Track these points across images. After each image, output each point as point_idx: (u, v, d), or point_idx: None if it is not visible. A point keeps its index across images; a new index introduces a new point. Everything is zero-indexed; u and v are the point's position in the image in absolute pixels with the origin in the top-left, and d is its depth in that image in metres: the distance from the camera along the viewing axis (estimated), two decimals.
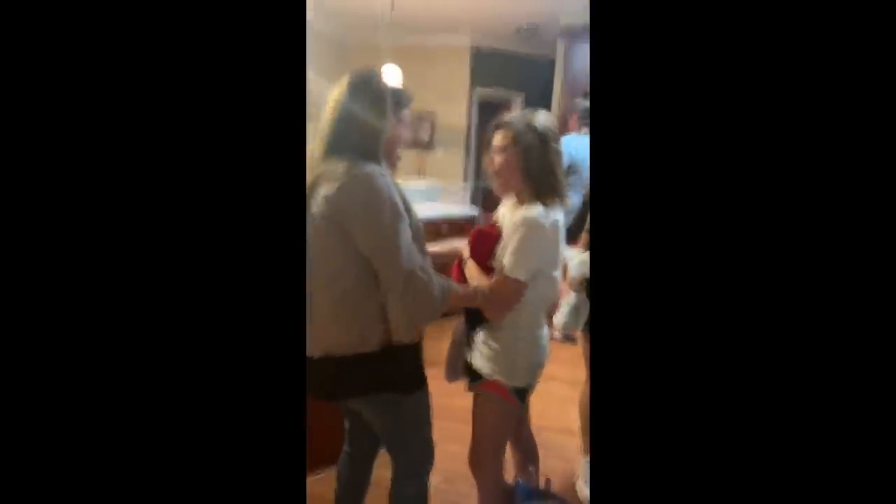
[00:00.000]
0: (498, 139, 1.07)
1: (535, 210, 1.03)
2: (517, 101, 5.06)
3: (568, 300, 1.43)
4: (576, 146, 2.63)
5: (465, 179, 4.79)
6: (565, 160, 2.63)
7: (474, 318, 1.11)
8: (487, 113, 5.04)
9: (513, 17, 3.80)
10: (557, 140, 1.07)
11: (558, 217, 1.05)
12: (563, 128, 2.77)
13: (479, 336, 1.14)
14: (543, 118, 1.07)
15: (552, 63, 4.01)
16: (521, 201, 1.08)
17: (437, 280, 0.93)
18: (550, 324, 2.93)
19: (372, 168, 0.88)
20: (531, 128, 1.04)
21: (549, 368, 1.21)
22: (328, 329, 0.92)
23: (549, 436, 1.99)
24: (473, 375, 1.17)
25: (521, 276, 1.02)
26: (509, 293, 1.03)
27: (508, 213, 1.13)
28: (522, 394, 1.16)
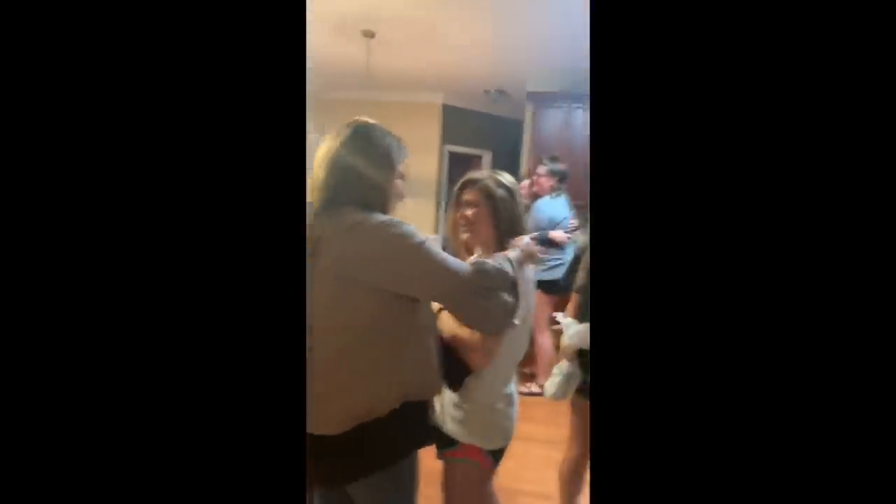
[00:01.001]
0: (470, 195, 1.13)
1: (509, 256, 1.05)
2: (486, 157, 5.24)
3: (560, 369, 1.42)
4: (552, 206, 2.79)
5: (437, 231, 4.83)
6: (545, 221, 2.77)
7: (453, 375, 1.07)
8: (457, 168, 5.19)
9: (482, 79, 4.00)
10: (520, 196, 1.16)
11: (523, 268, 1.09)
12: (537, 190, 2.90)
13: (449, 398, 1.10)
14: (508, 177, 1.17)
15: (520, 124, 4.21)
16: (490, 253, 1.09)
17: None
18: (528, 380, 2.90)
19: (383, 217, 0.87)
20: (500, 184, 1.12)
21: (525, 428, 1.17)
22: (338, 394, 0.85)
23: (526, 500, 1.90)
24: (444, 440, 1.12)
25: (516, 319, 1.01)
26: (496, 338, 1.01)
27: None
28: (499, 456, 1.12)
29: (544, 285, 2.73)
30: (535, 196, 2.88)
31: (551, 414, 2.59)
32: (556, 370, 1.44)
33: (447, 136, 4.76)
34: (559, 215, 2.79)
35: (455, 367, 1.04)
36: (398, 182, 0.97)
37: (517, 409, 1.15)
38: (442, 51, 3.29)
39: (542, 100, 3.72)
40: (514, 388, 1.15)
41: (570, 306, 1.50)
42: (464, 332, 1.03)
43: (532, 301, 1.08)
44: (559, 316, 1.42)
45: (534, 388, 2.88)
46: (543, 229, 2.73)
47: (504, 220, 1.11)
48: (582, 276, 1.46)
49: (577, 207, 2.96)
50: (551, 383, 1.44)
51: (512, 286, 0.93)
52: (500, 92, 4.30)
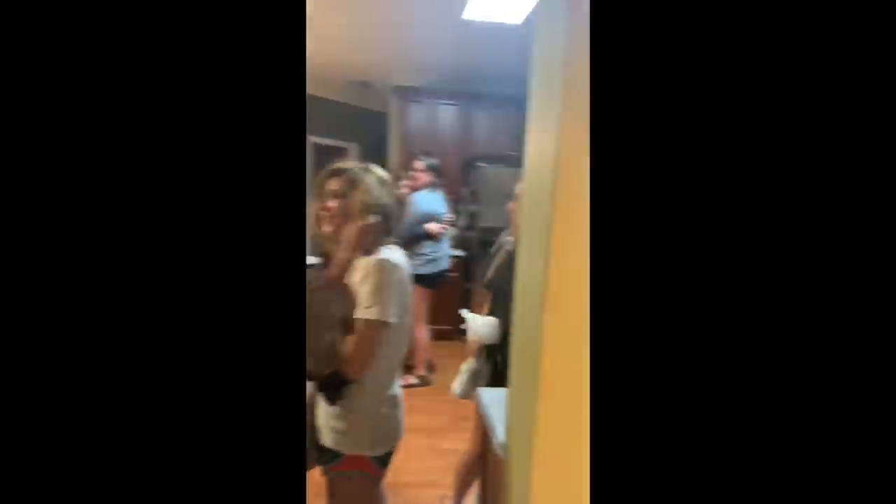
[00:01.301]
0: (334, 184, 1.06)
1: (384, 252, 1.03)
2: (352, 150, 5.12)
3: (467, 366, 1.42)
4: (429, 200, 2.85)
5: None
6: (422, 214, 2.78)
7: (330, 389, 1.02)
8: (323, 160, 4.98)
9: (346, 70, 3.89)
10: (390, 187, 1.11)
11: (403, 259, 1.07)
12: (413, 185, 2.94)
13: (326, 411, 1.04)
14: (377, 168, 1.11)
15: (385, 117, 4.19)
16: (353, 247, 1.04)
17: None
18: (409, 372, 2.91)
19: None
20: (368, 174, 1.06)
21: (406, 419, 1.17)
22: None
23: (410, 492, 1.93)
24: (326, 455, 1.07)
25: (392, 319, 0.99)
26: (375, 340, 0.99)
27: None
28: (387, 459, 1.10)
29: (422, 279, 2.79)
30: (413, 191, 2.92)
31: (431, 402, 2.68)
32: (463, 367, 1.44)
33: (311, 126, 4.54)
34: (437, 209, 2.87)
35: (331, 378, 0.99)
36: None
37: (403, 407, 1.13)
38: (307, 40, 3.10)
39: (407, 94, 3.75)
40: (398, 387, 1.12)
41: (482, 303, 1.51)
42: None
43: (409, 300, 1.06)
44: (464, 312, 1.40)
45: (411, 380, 2.92)
46: (421, 222, 2.78)
47: (375, 213, 1.03)
48: (493, 272, 1.47)
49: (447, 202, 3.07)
50: (458, 382, 1.45)
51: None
52: (364, 83, 4.23)
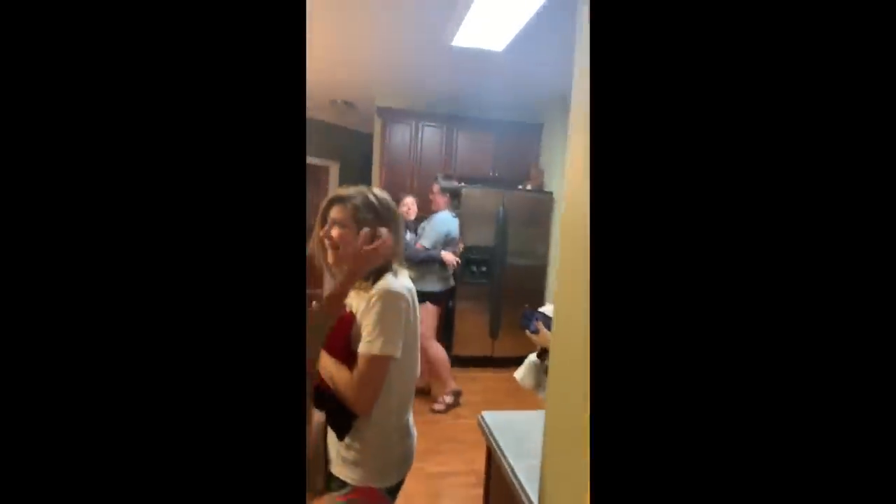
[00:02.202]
0: (337, 213, 1.03)
1: (388, 280, 1.00)
2: (333, 168, 5.13)
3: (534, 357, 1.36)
4: (446, 222, 2.93)
5: None
6: (443, 236, 2.84)
7: (339, 422, 1.01)
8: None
9: (330, 89, 3.92)
10: (398, 216, 1.08)
11: (410, 284, 1.05)
12: (433, 207, 3.00)
13: (336, 441, 1.03)
14: (380, 192, 1.07)
15: (369, 136, 4.22)
16: (353, 276, 1.02)
17: None
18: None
19: None
20: (370, 204, 1.03)
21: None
22: None
23: None
24: (335, 483, 1.04)
25: (395, 353, 0.96)
26: (379, 375, 0.97)
27: (355, 292, 1.07)
28: (395, 490, 1.07)
29: (432, 296, 2.85)
30: (431, 213, 2.98)
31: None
32: (532, 357, 1.36)
33: None
34: (452, 231, 2.94)
35: (339, 411, 0.98)
36: None
37: (415, 437, 1.10)
38: None
39: (390, 115, 3.79)
40: (409, 416, 1.09)
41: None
42: (341, 377, 0.97)
43: (415, 329, 1.04)
44: (546, 308, 1.29)
45: (448, 399, 2.89)
46: (438, 244, 2.85)
47: (373, 239, 1.00)
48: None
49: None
50: (525, 369, 1.36)
51: None
52: (348, 103, 4.26)
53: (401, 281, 1.03)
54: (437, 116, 3.83)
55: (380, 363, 0.96)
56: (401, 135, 3.81)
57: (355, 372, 0.96)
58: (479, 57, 2.72)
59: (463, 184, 3.18)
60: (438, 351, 2.89)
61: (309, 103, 4.33)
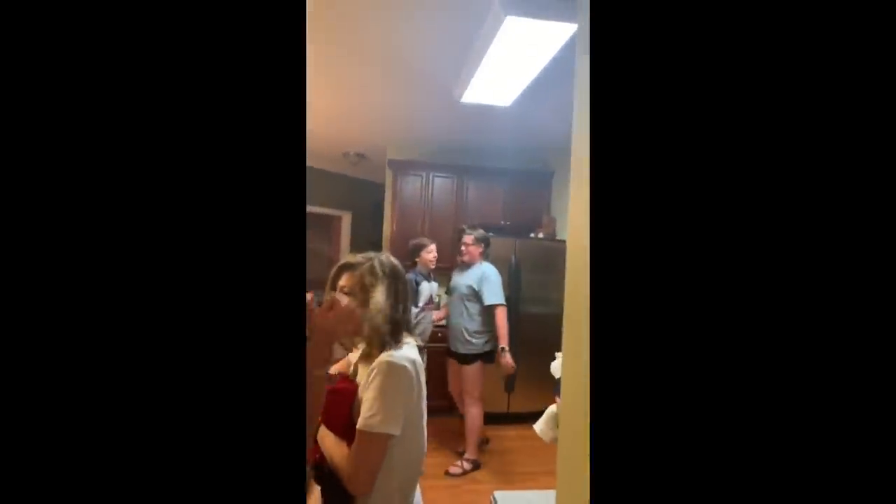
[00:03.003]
0: (344, 281, 1.01)
1: (384, 358, 0.94)
2: (345, 218, 5.20)
3: (555, 408, 1.32)
4: (497, 273, 2.85)
5: None
6: (500, 287, 2.78)
7: (335, 502, 0.93)
8: (316, 228, 5.03)
9: (341, 142, 4.03)
10: (405, 281, 1.06)
11: (415, 356, 1.00)
12: (468, 259, 2.89)
13: None
14: (388, 258, 1.06)
15: (381, 187, 4.29)
16: (371, 344, 0.99)
17: None
18: None
19: None
20: (379, 268, 1.01)
21: None
22: None
23: None
24: None
25: (395, 430, 0.90)
26: (377, 454, 0.90)
27: (362, 363, 1.03)
28: None
29: (485, 357, 2.78)
30: (465, 265, 2.88)
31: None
32: (552, 408, 1.34)
33: (307, 195, 4.62)
34: (498, 277, 2.85)
35: (336, 491, 0.91)
36: None
37: None
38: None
39: (401, 166, 3.87)
40: (417, 497, 1.01)
41: None
42: (339, 453, 0.91)
43: (421, 403, 0.98)
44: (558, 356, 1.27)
45: (465, 465, 2.76)
46: (475, 287, 2.78)
47: (380, 308, 0.98)
48: None
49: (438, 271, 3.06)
50: (543, 422, 1.33)
51: None
52: (360, 155, 4.37)
53: (405, 352, 0.97)
54: (448, 167, 3.89)
55: (378, 441, 0.89)
56: (411, 185, 3.86)
57: (352, 449, 0.89)
58: (487, 112, 2.78)
59: (491, 233, 3.14)
60: (479, 415, 2.78)
61: (322, 155, 4.46)
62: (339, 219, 5.22)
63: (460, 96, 2.43)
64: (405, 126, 3.50)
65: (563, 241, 3.69)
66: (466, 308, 2.80)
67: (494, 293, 2.78)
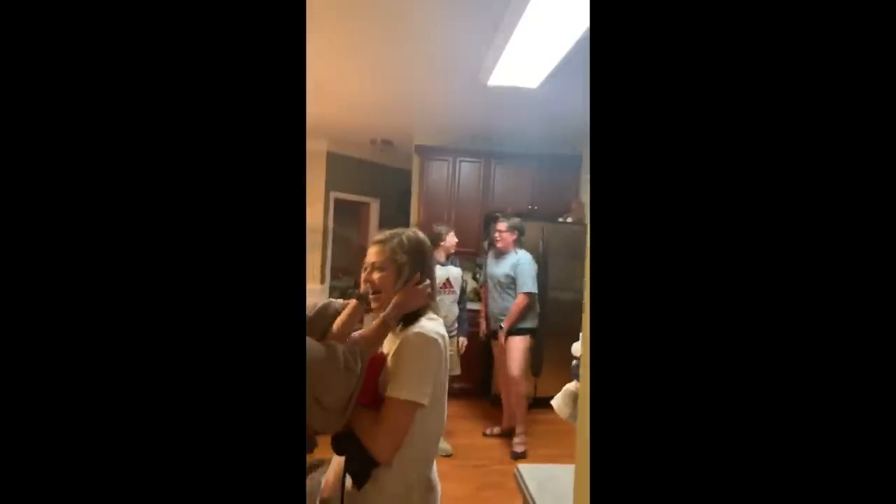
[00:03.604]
0: (374, 255, 1.05)
1: (422, 324, 0.99)
2: (373, 205, 5.25)
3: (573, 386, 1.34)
4: (531, 261, 2.92)
5: (322, 281, 4.63)
6: (532, 275, 2.85)
7: (358, 468, 0.96)
8: (344, 215, 5.09)
9: (368, 129, 4.05)
10: (431, 254, 1.10)
11: (443, 330, 1.03)
12: (501, 246, 2.95)
13: (355, 492, 0.98)
14: (415, 233, 1.09)
15: (407, 173, 4.30)
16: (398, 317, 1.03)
17: None
18: None
19: None
20: (407, 247, 1.05)
21: None
22: None
23: None
24: None
25: (424, 400, 0.93)
26: (405, 422, 0.93)
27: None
28: None
29: (528, 332, 2.89)
30: (499, 252, 2.95)
31: (456, 468, 2.55)
32: (570, 386, 1.36)
33: (333, 182, 4.68)
34: (532, 266, 2.93)
35: (359, 457, 0.94)
36: None
37: (439, 492, 1.05)
38: (328, 101, 3.27)
39: (428, 152, 3.86)
40: (433, 470, 1.05)
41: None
42: (365, 421, 0.94)
43: (445, 376, 1.01)
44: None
45: (518, 448, 2.83)
46: (510, 275, 2.87)
47: (408, 282, 1.03)
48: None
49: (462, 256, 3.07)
50: (561, 397, 1.36)
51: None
52: (386, 142, 4.39)
53: (434, 326, 1.01)
54: (475, 152, 3.87)
55: (407, 409, 0.93)
56: (438, 171, 3.85)
57: (381, 416, 0.93)
58: (514, 94, 2.74)
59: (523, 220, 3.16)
60: (521, 389, 2.89)
61: (349, 142, 4.50)
62: (367, 206, 5.27)
63: (487, 79, 2.40)
64: (431, 111, 3.48)
65: None
66: (505, 295, 2.89)
67: (525, 282, 2.84)
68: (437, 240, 2.90)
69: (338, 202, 4.81)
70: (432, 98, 3.16)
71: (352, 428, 0.94)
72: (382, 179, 5.18)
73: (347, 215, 5.26)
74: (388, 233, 1.08)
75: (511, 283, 2.86)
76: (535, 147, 3.87)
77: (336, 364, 0.88)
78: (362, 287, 1.06)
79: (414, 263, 1.04)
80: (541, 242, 3.49)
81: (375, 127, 3.99)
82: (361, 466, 0.94)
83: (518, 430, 2.87)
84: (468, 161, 3.87)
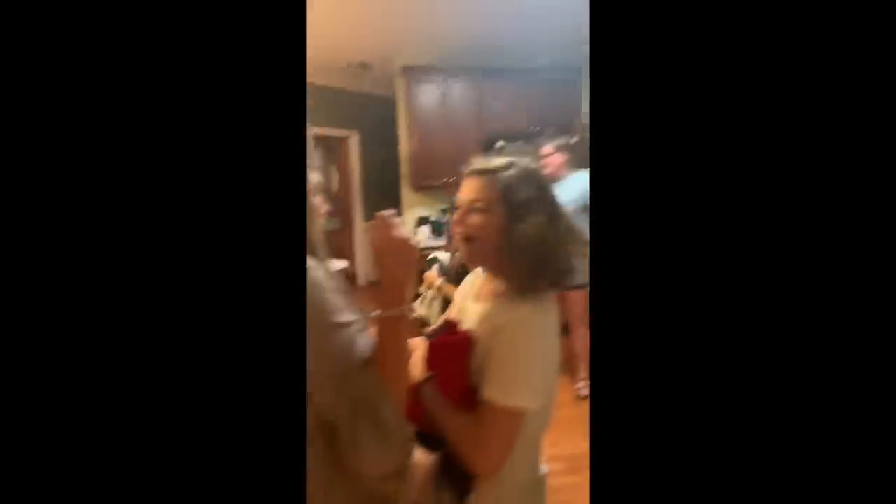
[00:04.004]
0: (475, 190, 0.75)
1: (530, 306, 0.72)
2: (353, 138, 4.83)
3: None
4: (578, 184, 2.32)
5: None
6: (582, 194, 2.27)
7: (458, 484, 0.76)
8: (322, 151, 4.69)
9: (341, 52, 3.59)
10: (551, 190, 0.78)
11: (555, 311, 0.76)
12: (552, 171, 2.40)
13: (453, 498, 0.78)
14: (532, 163, 0.78)
15: (390, 101, 3.90)
16: (502, 283, 0.77)
17: None
18: None
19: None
20: (526, 178, 0.74)
21: None
22: None
23: None
24: None
25: (534, 403, 0.71)
26: (514, 432, 0.71)
27: (476, 304, 0.81)
28: None
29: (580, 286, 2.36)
30: (552, 179, 2.32)
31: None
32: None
33: (308, 116, 4.23)
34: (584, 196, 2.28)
35: (458, 470, 0.73)
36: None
37: (545, 492, 0.85)
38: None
39: (414, 74, 3.46)
40: (542, 469, 0.84)
41: None
42: (458, 426, 0.72)
43: (555, 362, 0.77)
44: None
45: (582, 390, 2.46)
46: (581, 203, 2.22)
47: (532, 238, 0.71)
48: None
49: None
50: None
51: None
52: (364, 65, 3.92)
53: (551, 304, 0.75)
54: (467, 70, 3.48)
55: (514, 417, 0.70)
56: (426, 95, 3.47)
57: (481, 424, 0.70)
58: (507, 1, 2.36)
59: (519, 141, 2.70)
60: (583, 341, 2.46)
61: (319, 69, 3.99)
62: (345, 140, 4.85)
63: None
64: (414, 27, 3.05)
65: None
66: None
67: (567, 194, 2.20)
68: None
69: (312, 138, 4.39)
70: (413, 9, 2.73)
71: (442, 431, 0.74)
72: (361, 109, 4.73)
73: (324, 151, 4.83)
74: (496, 160, 0.77)
75: (583, 210, 2.17)
76: (532, 60, 3.51)
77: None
78: (454, 234, 0.78)
79: (541, 206, 0.74)
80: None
81: (349, 49, 3.52)
82: (461, 479, 0.74)
83: (581, 374, 2.57)
84: (460, 81, 3.49)
